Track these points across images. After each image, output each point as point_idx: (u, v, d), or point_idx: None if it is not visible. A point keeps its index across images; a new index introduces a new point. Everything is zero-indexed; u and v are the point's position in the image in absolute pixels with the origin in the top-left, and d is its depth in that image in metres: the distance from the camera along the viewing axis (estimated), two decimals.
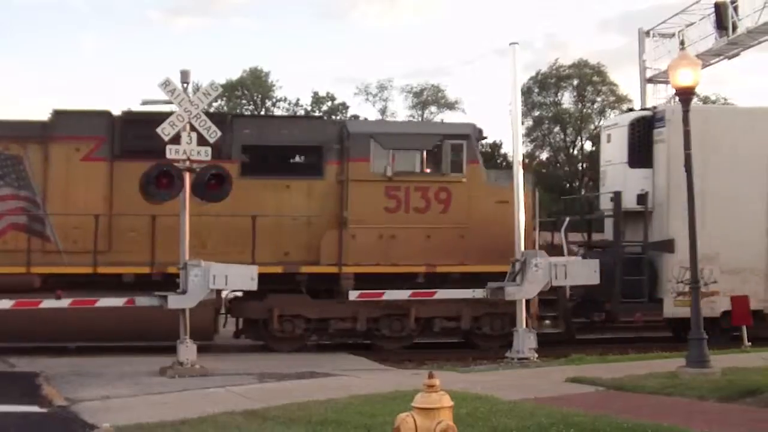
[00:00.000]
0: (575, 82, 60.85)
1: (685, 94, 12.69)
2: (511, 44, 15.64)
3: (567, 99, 59.69)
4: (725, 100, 59.13)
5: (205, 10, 78.48)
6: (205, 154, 14.50)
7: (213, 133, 14.57)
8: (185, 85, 14.53)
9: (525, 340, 14.87)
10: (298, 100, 46.54)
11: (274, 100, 49.90)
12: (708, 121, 18.28)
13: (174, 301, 14.17)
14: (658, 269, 18.66)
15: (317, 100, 46.19)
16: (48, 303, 14.54)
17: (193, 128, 14.33)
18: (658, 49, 32.20)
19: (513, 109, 15.36)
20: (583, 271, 15.13)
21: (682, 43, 16.33)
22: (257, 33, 76.66)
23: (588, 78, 60.71)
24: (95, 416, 10.45)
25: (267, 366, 14.85)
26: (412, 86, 57.30)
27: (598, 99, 59.22)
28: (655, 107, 19.46)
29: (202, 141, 14.40)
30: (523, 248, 15.14)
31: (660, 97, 33.01)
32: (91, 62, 74.07)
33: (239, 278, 14.45)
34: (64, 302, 14.51)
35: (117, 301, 14.79)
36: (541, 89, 59.60)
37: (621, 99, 57.94)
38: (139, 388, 12.59)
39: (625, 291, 18.37)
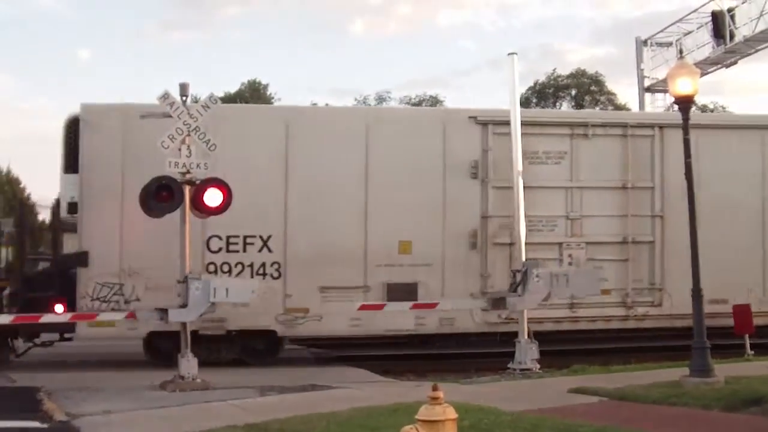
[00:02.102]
0: (573, 92, 60.96)
1: (684, 103, 12.69)
2: (509, 54, 15.69)
3: (566, 109, 59.64)
4: (723, 108, 59.25)
5: (198, 24, 78.83)
6: (204, 167, 14.49)
7: (212, 146, 14.55)
8: (184, 98, 14.52)
9: (527, 351, 14.80)
10: None
11: None
12: (130, 122, 16.08)
13: (174, 315, 14.11)
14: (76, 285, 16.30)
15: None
16: (48, 318, 14.50)
17: (192, 141, 14.34)
18: (656, 58, 32.35)
19: (512, 119, 15.34)
20: (585, 281, 15.08)
21: (680, 51, 16.26)
22: (252, 46, 76.96)
23: (586, 88, 60.82)
24: (97, 431, 10.40)
25: (268, 379, 14.77)
26: (410, 97, 57.36)
27: (597, 109, 59.22)
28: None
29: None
30: (524, 258, 15.10)
31: (658, 106, 33.25)
32: (87, 75, 74.25)
33: (240, 291, 14.39)
34: (65, 316, 14.46)
35: (118, 315, 14.75)
36: (539, 99, 59.70)
37: (620, 108, 58.01)
38: (140, 403, 12.52)
39: (30, 309, 15.75)
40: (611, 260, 17.72)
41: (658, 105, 33.26)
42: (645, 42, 32.75)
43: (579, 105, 59.33)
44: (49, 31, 77.91)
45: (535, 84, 60.04)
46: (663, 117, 19.15)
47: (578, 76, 61.46)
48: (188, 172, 14.27)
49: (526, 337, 14.94)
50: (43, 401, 12.78)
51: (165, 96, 14.33)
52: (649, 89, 32.93)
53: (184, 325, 14.23)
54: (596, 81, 61.57)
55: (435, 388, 5.70)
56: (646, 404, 10.68)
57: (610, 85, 62.62)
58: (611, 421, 9.16)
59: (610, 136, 18.06)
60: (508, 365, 15.06)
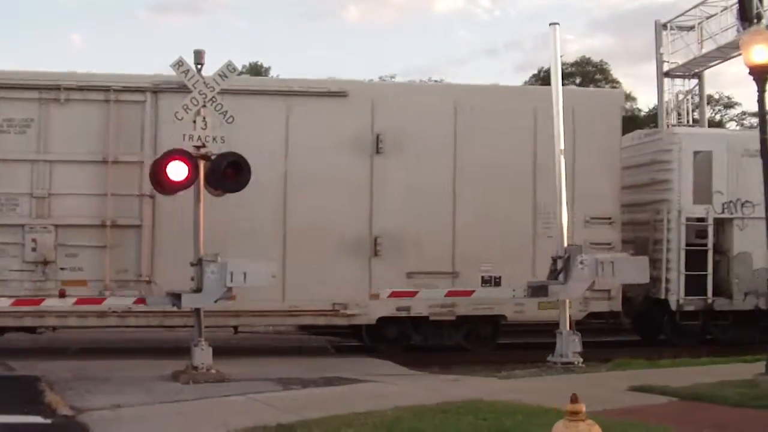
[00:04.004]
0: (578, 80, 59.99)
1: (761, 73, 11.53)
2: (551, 24, 14.59)
3: None
4: (728, 98, 58.31)
5: (190, 8, 77.87)
6: (221, 140, 13.38)
7: (230, 118, 13.44)
8: (199, 66, 13.41)
9: (569, 344, 13.69)
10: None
11: None
12: None
13: (188, 300, 13.01)
14: None
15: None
16: (51, 302, 13.38)
17: (208, 112, 13.23)
18: (675, 43, 31.26)
19: (554, 94, 14.21)
20: (632, 269, 13.92)
21: (758, 17, 15.08)
22: (245, 31, 75.93)
23: (590, 76, 59.80)
24: (106, 428, 9.42)
25: (286, 370, 13.71)
26: (415, 82, 56.25)
27: None
28: None
29: None
30: (566, 244, 13.99)
31: (678, 91, 32.23)
32: (81, 59, 73.12)
33: (258, 275, 13.22)
34: (68, 301, 13.33)
35: (126, 301, 13.64)
36: (543, 86, 58.64)
37: (625, 97, 56.99)
38: (152, 396, 11.44)
39: None
40: (87, 246, 15.12)
41: (677, 90, 32.29)
42: (664, 26, 31.59)
43: None
44: (40, 15, 76.73)
45: (539, 71, 59.06)
46: (157, 80, 15.60)
47: (583, 64, 60.57)
48: (203, 145, 13.17)
49: (567, 328, 13.81)
50: (45, 393, 11.70)
51: (179, 63, 13.20)
52: (668, 74, 31.81)
53: (197, 311, 13.15)
54: (601, 69, 60.65)
55: (575, 399, 4.51)
56: (726, 406, 9.51)
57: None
58: (699, 426, 8.07)
59: (90, 102, 15.32)
60: (548, 358, 13.95)
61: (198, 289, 13.00)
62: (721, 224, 17.95)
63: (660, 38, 31.56)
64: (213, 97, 13.18)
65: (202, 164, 13.13)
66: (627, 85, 68.65)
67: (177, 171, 12.97)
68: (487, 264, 15.71)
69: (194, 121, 13.15)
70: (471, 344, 16.77)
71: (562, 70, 51.94)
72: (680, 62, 30.66)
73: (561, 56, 14.99)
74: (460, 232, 16.06)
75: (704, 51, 29.42)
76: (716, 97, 56.66)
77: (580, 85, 59.98)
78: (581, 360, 13.74)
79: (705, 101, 33.31)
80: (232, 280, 12.92)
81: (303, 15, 77.68)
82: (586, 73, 60.16)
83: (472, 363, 15.77)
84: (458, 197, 16.06)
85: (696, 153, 18.00)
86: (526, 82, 58.75)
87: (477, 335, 16.79)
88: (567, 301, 13.94)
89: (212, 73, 13.38)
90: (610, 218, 16.54)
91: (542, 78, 58.88)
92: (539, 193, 16.08)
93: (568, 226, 14.42)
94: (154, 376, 12.89)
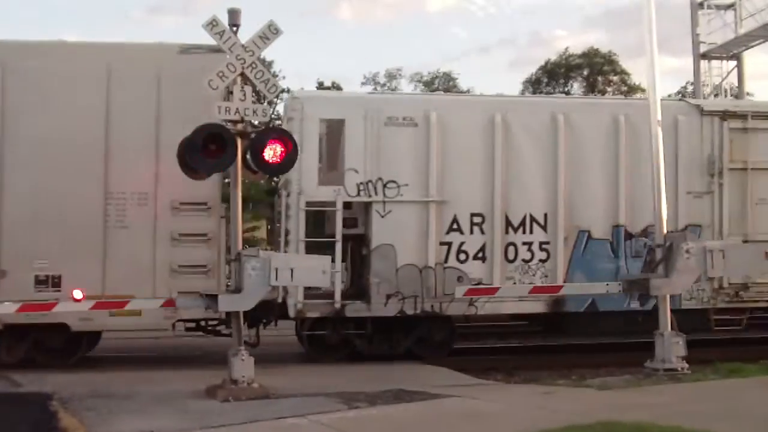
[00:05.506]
0: (585, 72, 58.31)
1: None
2: None
3: (577, 89, 57.11)
4: (733, 89, 56.58)
5: (184, 8, 76.44)
6: (262, 113, 11.43)
7: (272, 88, 11.49)
8: (235, 28, 11.46)
9: (672, 347, 11.69)
10: (302, 89, 44.14)
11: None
12: None
13: (226, 303, 11.02)
14: None
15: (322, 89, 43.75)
16: (63, 306, 11.36)
17: (247, 81, 11.26)
18: (713, 22, 29.49)
19: (648, 52, 12.10)
20: (745, 258, 11.92)
21: None
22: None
23: (598, 67, 58.14)
24: None
25: (335, 382, 11.80)
26: (422, 74, 54.58)
27: (609, 89, 56.74)
28: None
29: None
30: (665, 230, 11.98)
31: (714, 74, 30.54)
32: None
33: (307, 272, 11.27)
34: (85, 305, 11.31)
35: (153, 303, 11.63)
36: (550, 79, 57.06)
37: (633, 89, 55.48)
38: (187, 418, 9.50)
39: None
40: None
41: (715, 73, 30.60)
42: (700, 5, 29.78)
43: (591, 85, 56.83)
44: (36, 15, 75.09)
45: (547, 63, 57.50)
46: None
47: (591, 55, 58.82)
48: (242, 120, 11.20)
49: (669, 329, 11.80)
50: (59, 414, 9.84)
51: (212, 23, 11.23)
52: (705, 56, 30.06)
53: (237, 315, 11.17)
54: (609, 60, 59.01)
55: None
56: None
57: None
58: None
59: None
60: (646, 364, 11.95)
61: (237, 290, 11.04)
62: (361, 210, 14.64)
63: (696, 18, 29.81)
64: (253, 62, 11.23)
65: (239, 142, 11.17)
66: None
67: (212, 150, 11.02)
68: (43, 261, 12.96)
69: (231, 92, 11.22)
70: (43, 358, 13.55)
71: (569, 62, 49.82)
72: (719, 42, 28.99)
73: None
74: (8, 222, 13.27)
75: (744, 30, 27.76)
76: (726, 88, 55.11)
77: (588, 77, 58.28)
78: (686, 366, 11.74)
79: (744, 84, 31.54)
80: (276, 278, 10.98)
81: (296, 14, 76.51)
82: (594, 65, 58.53)
83: (530, 368, 14.01)
84: (7, 180, 13.09)
85: (324, 121, 14.67)
86: (532, 75, 57.20)
87: (48, 348, 13.61)
88: (667, 297, 11.92)
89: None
90: (206, 203, 13.64)
91: (549, 70, 57.30)
92: (112, 175, 13.22)
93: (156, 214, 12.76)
94: (185, 392, 11.00)
